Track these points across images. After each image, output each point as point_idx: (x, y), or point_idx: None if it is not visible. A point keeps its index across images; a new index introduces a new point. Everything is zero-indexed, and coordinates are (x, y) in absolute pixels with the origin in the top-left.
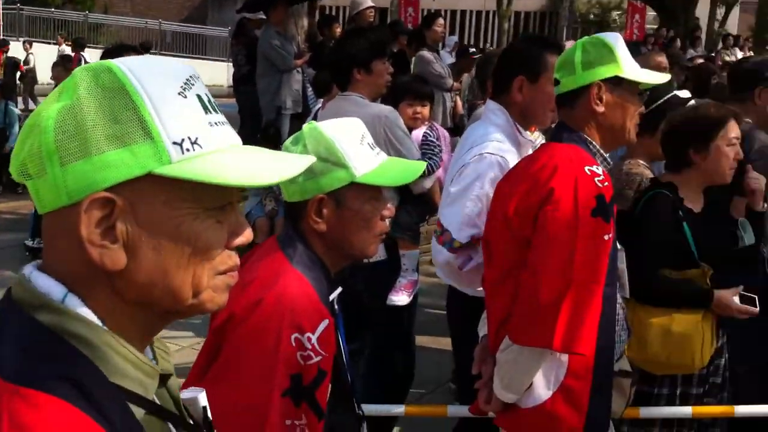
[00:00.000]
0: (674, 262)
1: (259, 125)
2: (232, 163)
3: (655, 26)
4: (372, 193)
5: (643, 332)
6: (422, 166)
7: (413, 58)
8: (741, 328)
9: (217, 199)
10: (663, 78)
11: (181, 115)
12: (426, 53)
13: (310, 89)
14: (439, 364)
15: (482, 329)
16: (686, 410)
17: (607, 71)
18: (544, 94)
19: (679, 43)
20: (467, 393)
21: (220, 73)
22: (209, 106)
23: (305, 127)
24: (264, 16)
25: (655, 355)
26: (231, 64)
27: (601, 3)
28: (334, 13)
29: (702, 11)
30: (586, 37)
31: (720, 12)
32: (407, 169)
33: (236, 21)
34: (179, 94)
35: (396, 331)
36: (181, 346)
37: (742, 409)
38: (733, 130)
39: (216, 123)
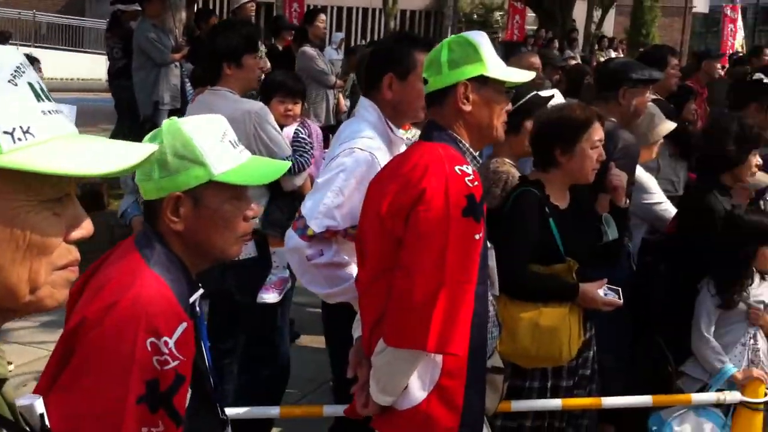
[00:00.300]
0: (541, 258)
1: (137, 120)
2: (67, 152)
3: (536, 27)
4: (233, 192)
5: (514, 327)
6: (286, 165)
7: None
8: (607, 321)
9: (53, 191)
10: (528, 76)
11: (11, 103)
12: (308, 49)
13: (188, 84)
14: (318, 364)
15: (356, 331)
16: (556, 402)
17: (472, 70)
18: (414, 91)
19: (557, 44)
20: (344, 393)
21: (98, 66)
22: (42, 95)
23: (165, 122)
24: (139, 8)
25: (525, 349)
26: None
27: (484, 3)
28: (217, 8)
29: (579, 13)
30: (453, 36)
31: (597, 14)
32: (269, 168)
33: (110, 13)
34: (9, 82)
35: (267, 330)
36: (51, 351)
37: (609, 401)
38: (597, 133)
39: (50, 111)
